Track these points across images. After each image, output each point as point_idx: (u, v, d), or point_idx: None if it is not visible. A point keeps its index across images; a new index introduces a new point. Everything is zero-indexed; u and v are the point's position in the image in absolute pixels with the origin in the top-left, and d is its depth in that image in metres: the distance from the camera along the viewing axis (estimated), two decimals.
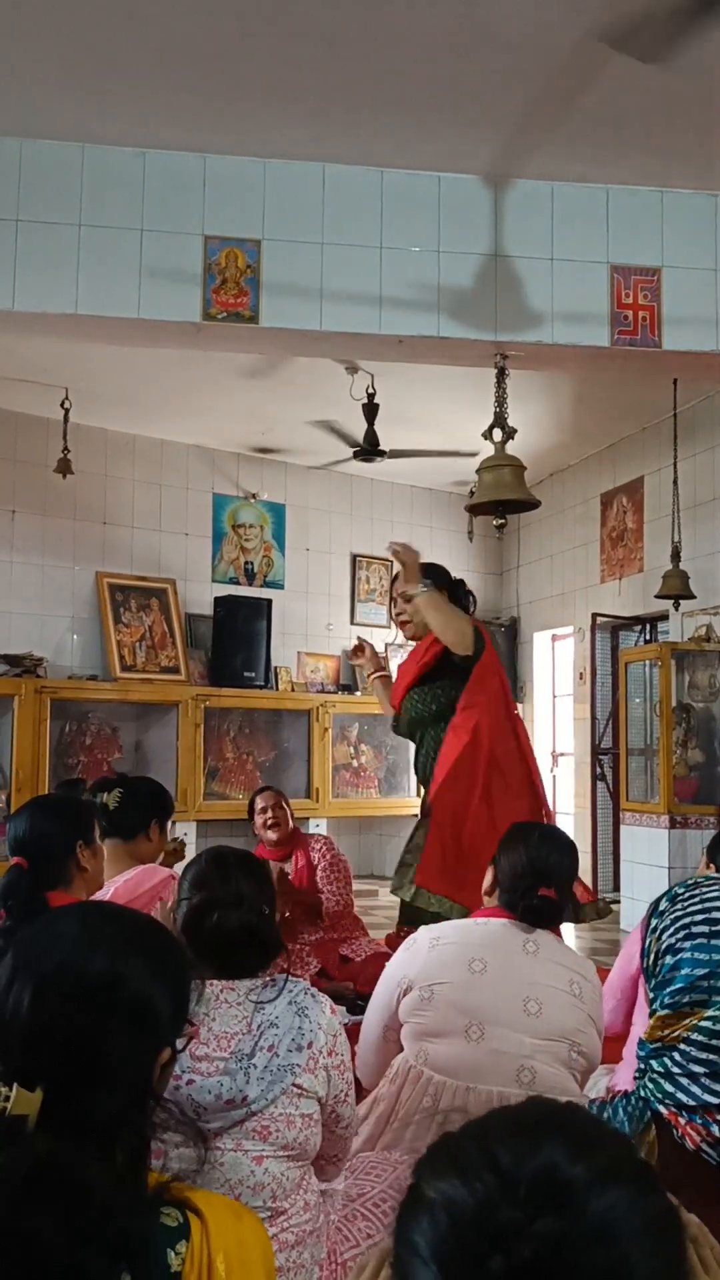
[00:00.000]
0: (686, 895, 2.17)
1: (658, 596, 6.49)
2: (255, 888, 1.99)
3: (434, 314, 4.05)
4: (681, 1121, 1.97)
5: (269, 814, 4.97)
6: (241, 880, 1.99)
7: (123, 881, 2.94)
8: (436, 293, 4.06)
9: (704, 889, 2.16)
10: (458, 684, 4.03)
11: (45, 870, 2.42)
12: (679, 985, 2.05)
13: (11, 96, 3.68)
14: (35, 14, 3.26)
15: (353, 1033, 2.28)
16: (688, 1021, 2.02)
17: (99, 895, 2.67)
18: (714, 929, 2.07)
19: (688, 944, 2.07)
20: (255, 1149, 1.79)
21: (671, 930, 2.12)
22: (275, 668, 8.10)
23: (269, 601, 7.98)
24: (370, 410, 6.54)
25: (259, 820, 5.01)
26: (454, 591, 4.27)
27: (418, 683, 4.18)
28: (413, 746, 4.39)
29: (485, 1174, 0.75)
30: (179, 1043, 1.27)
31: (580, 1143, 0.77)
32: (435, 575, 4.25)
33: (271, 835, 4.96)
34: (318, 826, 7.81)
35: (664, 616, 7.24)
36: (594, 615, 7.97)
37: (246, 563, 8.33)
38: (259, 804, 5.05)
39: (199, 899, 1.96)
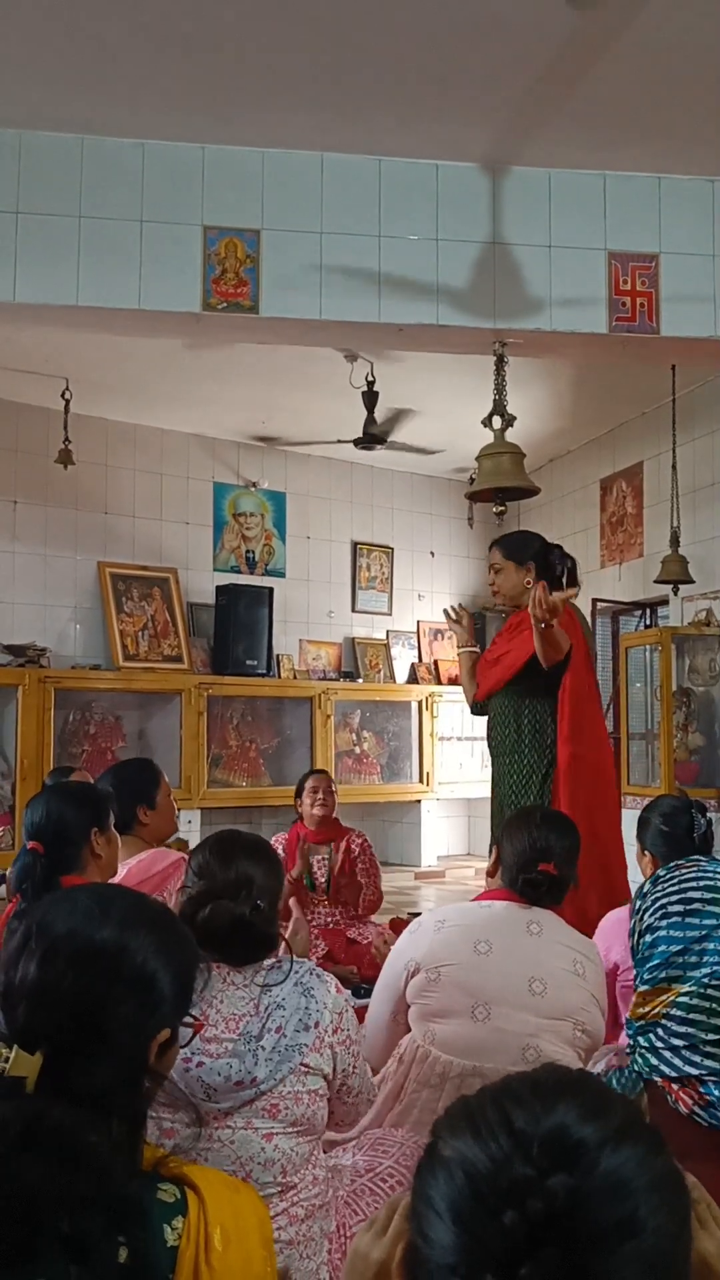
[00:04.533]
0: (667, 876, 2.22)
1: (657, 581, 6.51)
2: (261, 874, 2.01)
3: (433, 302, 4.07)
4: (674, 1088, 2.02)
5: (319, 794, 5.01)
6: (246, 866, 2.01)
7: (135, 862, 2.98)
8: (435, 281, 4.07)
9: (682, 870, 2.21)
10: (545, 699, 4.03)
11: (60, 856, 2.46)
12: (655, 961, 2.11)
13: (10, 88, 3.69)
14: (34, 5, 3.27)
15: (359, 1015, 2.31)
16: (665, 998, 2.07)
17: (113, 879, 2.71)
18: (689, 908, 2.13)
19: (664, 922, 2.13)
20: (265, 1126, 1.83)
21: (651, 910, 2.18)
22: (277, 655, 8.13)
23: (270, 590, 8.00)
24: (370, 398, 6.56)
25: (308, 800, 5.04)
26: (544, 560, 4.21)
27: (505, 688, 4.17)
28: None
29: (500, 1134, 0.78)
30: (184, 1034, 1.30)
31: (591, 1106, 0.80)
32: (524, 546, 4.22)
33: (318, 812, 5.00)
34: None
35: (664, 601, 7.27)
36: (594, 600, 7.99)
37: (248, 551, 8.35)
38: (310, 783, 5.09)
39: (197, 889, 1.99)
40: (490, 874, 2.66)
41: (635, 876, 6.53)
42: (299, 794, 5.13)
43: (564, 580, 4.20)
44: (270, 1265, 1.16)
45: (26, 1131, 1.07)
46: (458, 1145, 0.80)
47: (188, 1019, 1.32)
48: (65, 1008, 1.17)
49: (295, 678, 8.20)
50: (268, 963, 1.96)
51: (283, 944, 1.99)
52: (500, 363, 4.25)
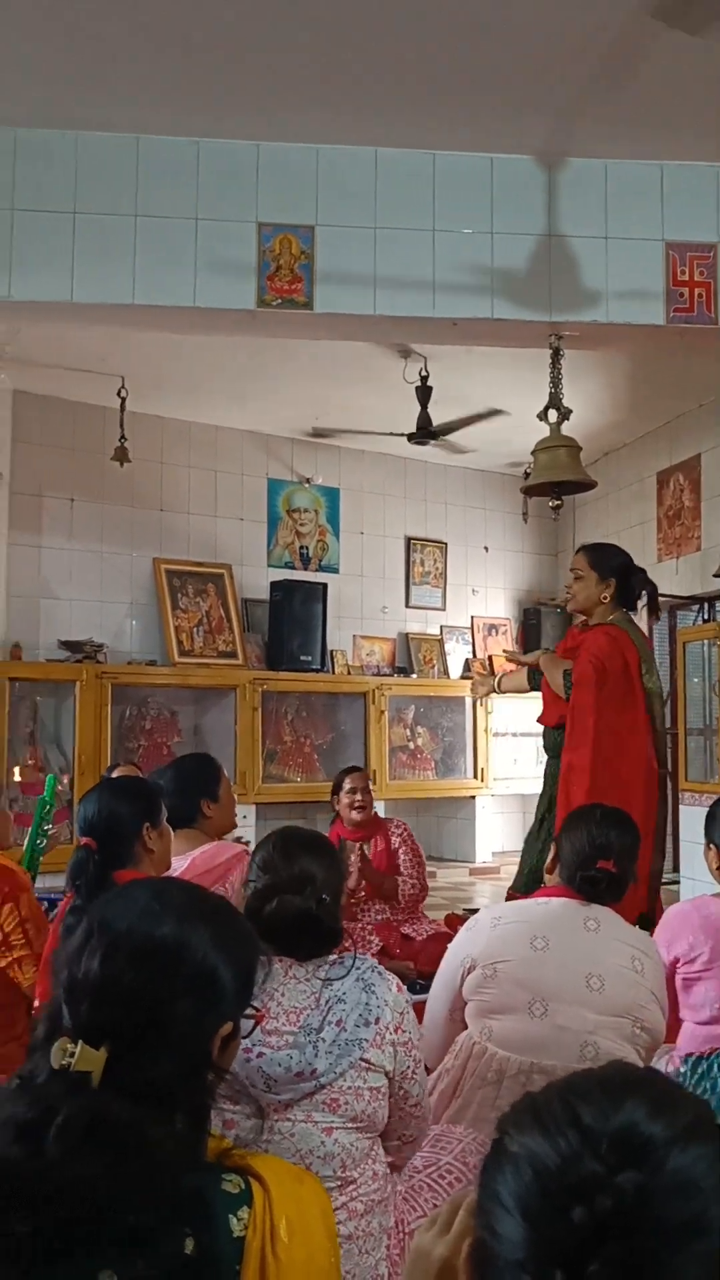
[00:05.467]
0: None
1: (716, 575, 6.43)
2: (323, 870, 2.02)
3: (488, 296, 4.05)
4: None
5: (357, 795, 4.99)
6: (308, 862, 2.02)
7: (198, 854, 3.00)
8: (490, 274, 4.05)
9: None
10: None
11: (113, 851, 2.48)
12: None
13: (65, 90, 3.73)
14: (88, 6, 3.30)
15: (415, 1011, 2.31)
16: None
17: (171, 872, 2.73)
18: None
19: None
20: (325, 1120, 1.84)
21: None
22: (331, 651, 8.14)
23: (324, 585, 8.02)
24: (424, 393, 6.54)
25: (345, 800, 5.00)
26: (626, 580, 4.19)
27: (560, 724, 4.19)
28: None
29: (568, 1130, 0.78)
30: (245, 1025, 1.31)
31: (660, 1103, 0.80)
32: (610, 559, 4.20)
33: (356, 816, 4.98)
34: (375, 809, 7.85)
35: None
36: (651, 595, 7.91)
37: (301, 547, 8.37)
38: (348, 784, 5.04)
39: (262, 883, 2.00)
40: (549, 870, 2.65)
41: (693, 872, 6.43)
42: (335, 791, 5.10)
43: (642, 606, 4.20)
44: (335, 1257, 1.17)
45: (91, 1127, 1.08)
46: (525, 1141, 0.80)
47: (249, 1010, 1.33)
48: (127, 1004, 1.18)
49: (349, 673, 8.21)
50: (330, 958, 1.96)
51: (347, 940, 1.99)
52: (556, 356, 4.22)
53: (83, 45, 3.49)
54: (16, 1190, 1.06)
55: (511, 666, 4.91)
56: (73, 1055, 1.13)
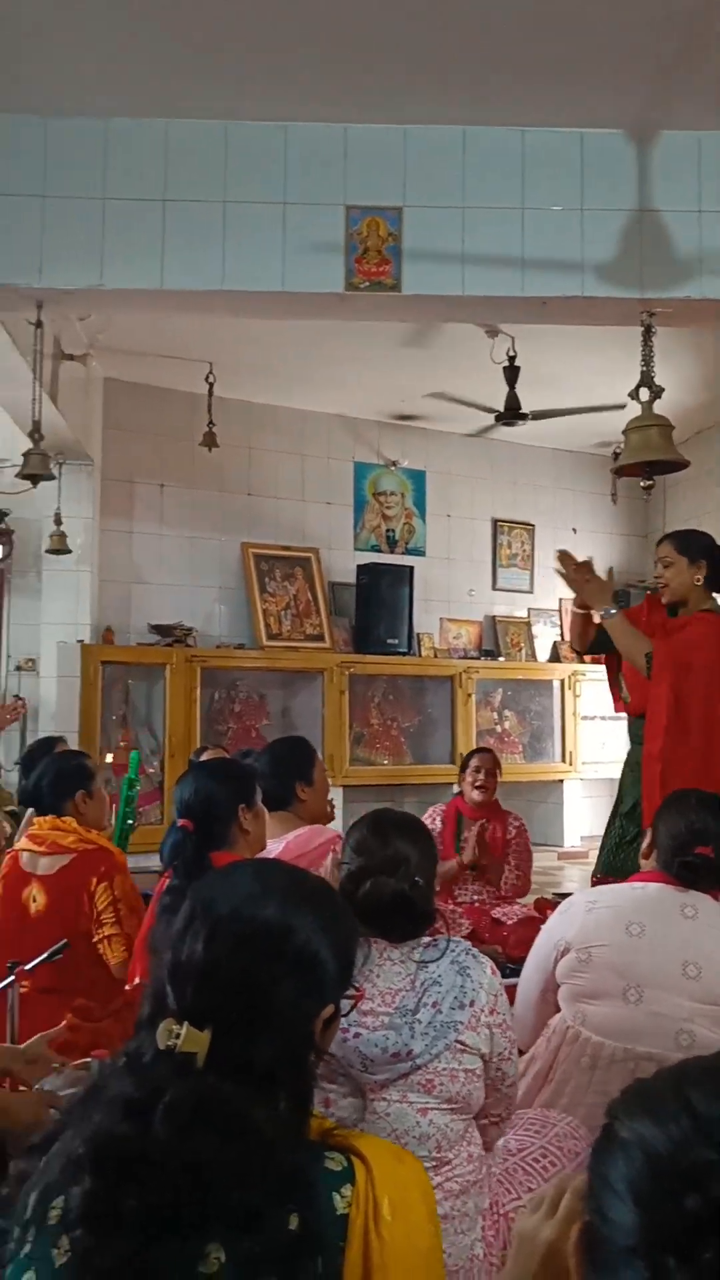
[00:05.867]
0: None
1: None
2: (416, 852, 2.02)
3: (578, 274, 3.99)
4: None
5: (480, 775, 5.03)
6: (402, 844, 2.03)
7: (293, 838, 3.03)
8: (580, 252, 3.99)
9: None
10: None
11: (209, 832, 2.51)
12: None
13: (154, 79, 3.76)
14: None
15: (508, 995, 2.31)
16: None
17: (265, 854, 2.76)
18: None
19: None
20: (420, 1101, 1.85)
21: None
22: (418, 634, 8.13)
23: (411, 568, 8.01)
24: (511, 374, 6.48)
25: (469, 779, 5.06)
26: (715, 559, 4.10)
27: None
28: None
29: (681, 1117, 0.77)
30: (344, 1004, 1.31)
31: None
32: (697, 542, 4.11)
33: (477, 795, 5.02)
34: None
35: None
36: None
37: (388, 530, 8.37)
38: (474, 763, 5.11)
39: (356, 865, 2.01)
40: (645, 856, 2.62)
41: None
42: (463, 769, 5.15)
43: None
44: (437, 1238, 1.17)
45: (197, 1109, 1.10)
46: (636, 1127, 0.79)
47: (348, 991, 1.34)
48: (232, 987, 1.19)
49: (436, 656, 8.20)
50: (424, 940, 1.97)
51: (440, 921, 2.00)
52: (648, 333, 4.15)
53: (170, 34, 3.51)
54: (127, 1166, 1.09)
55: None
56: (178, 1037, 1.15)
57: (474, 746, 8.01)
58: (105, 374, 7.12)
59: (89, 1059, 2.09)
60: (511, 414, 6.61)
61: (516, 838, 5.02)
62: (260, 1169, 1.09)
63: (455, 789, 5.23)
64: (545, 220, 4.00)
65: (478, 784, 5.02)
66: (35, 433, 4.48)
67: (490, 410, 7.05)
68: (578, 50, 3.55)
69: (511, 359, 6.43)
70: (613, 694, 4.37)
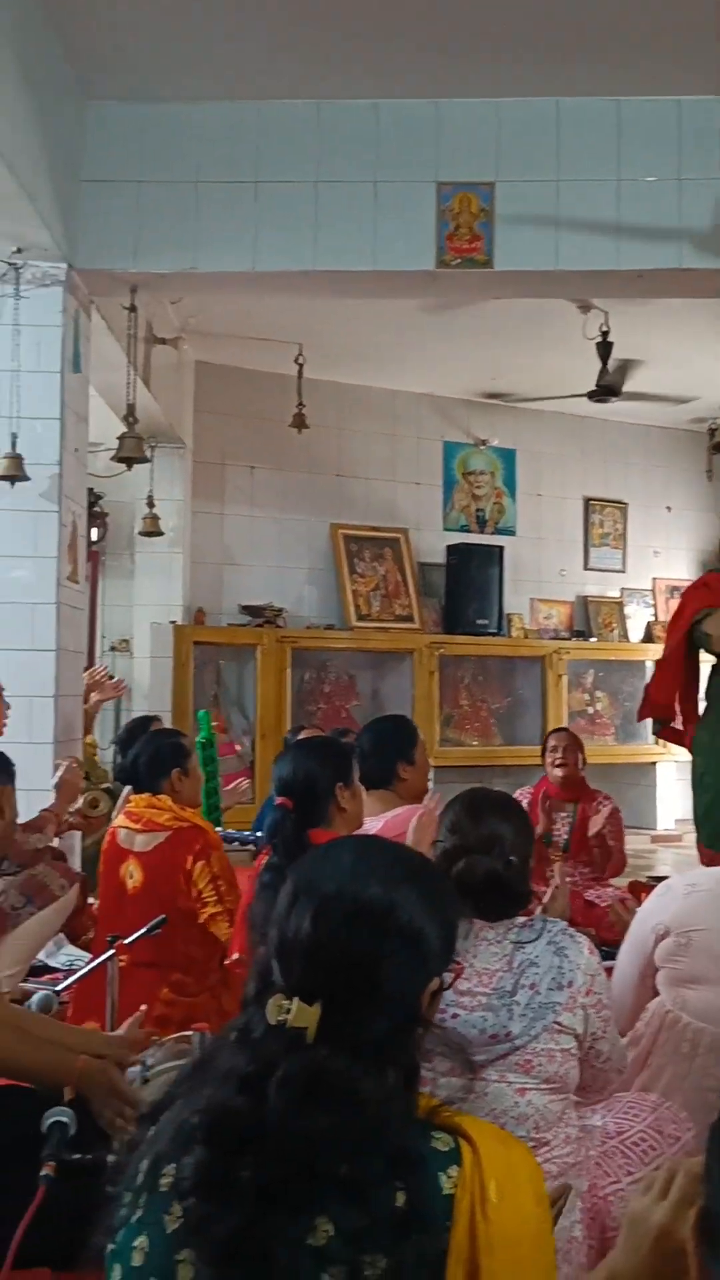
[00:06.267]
0: None
1: None
2: (512, 831, 2.01)
3: (675, 245, 3.92)
4: None
5: (559, 754, 5.02)
6: (496, 823, 2.01)
7: (390, 816, 3.04)
8: (678, 222, 3.92)
9: None
10: None
11: (308, 810, 2.53)
12: None
13: (245, 62, 3.77)
14: None
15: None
16: None
17: (364, 831, 2.76)
18: None
19: None
20: (518, 1081, 1.84)
21: None
22: (508, 615, 8.08)
23: (501, 548, 7.95)
24: (604, 349, 6.37)
25: (549, 759, 5.06)
26: None
27: None
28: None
29: None
30: (446, 978, 1.32)
31: None
32: None
33: (558, 773, 5.00)
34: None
35: None
36: None
37: (478, 510, 8.31)
38: (551, 742, 5.13)
39: (450, 844, 2.01)
40: None
41: None
42: (544, 752, 5.12)
43: None
44: (546, 1223, 1.16)
45: (310, 1083, 1.11)
46: None
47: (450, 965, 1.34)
48: (339, 964, 1.20)
49: (526, 637, 8.14)
50: (520, 920, 1.96)
51: (535, 903, 1.98)
52: None
53: (260, 17, 3.51)
54: (241, 1138, 1.10)
55: None
56: (288, 1012, 1.16)
57: (569, 729, 7.97)
58: (196, 357, 7.18)
59: (189, 1032, 2.12)
60: (605, 391, 6.50)
61: (609, 818, 4.96)
62: (371, 1144, 1.09)
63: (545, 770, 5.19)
64: (641, 191, 3.93)
65: (557, 762, 5.00)
66: (130, 416, 4.54)
67: (583, 387, 6.94)
68: (673, 16, 3.48)
69: (604, 334, 6.32)
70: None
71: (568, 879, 4.84)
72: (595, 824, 4.92)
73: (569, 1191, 1.62)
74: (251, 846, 4.68)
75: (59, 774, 3.74)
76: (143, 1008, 2.31)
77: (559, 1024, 1.85)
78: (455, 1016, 1.83)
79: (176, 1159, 1.13)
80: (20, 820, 3.17)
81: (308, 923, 1.22)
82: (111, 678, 6.28)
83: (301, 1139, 1.09)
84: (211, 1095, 1.15)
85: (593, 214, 3.93)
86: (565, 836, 4.89)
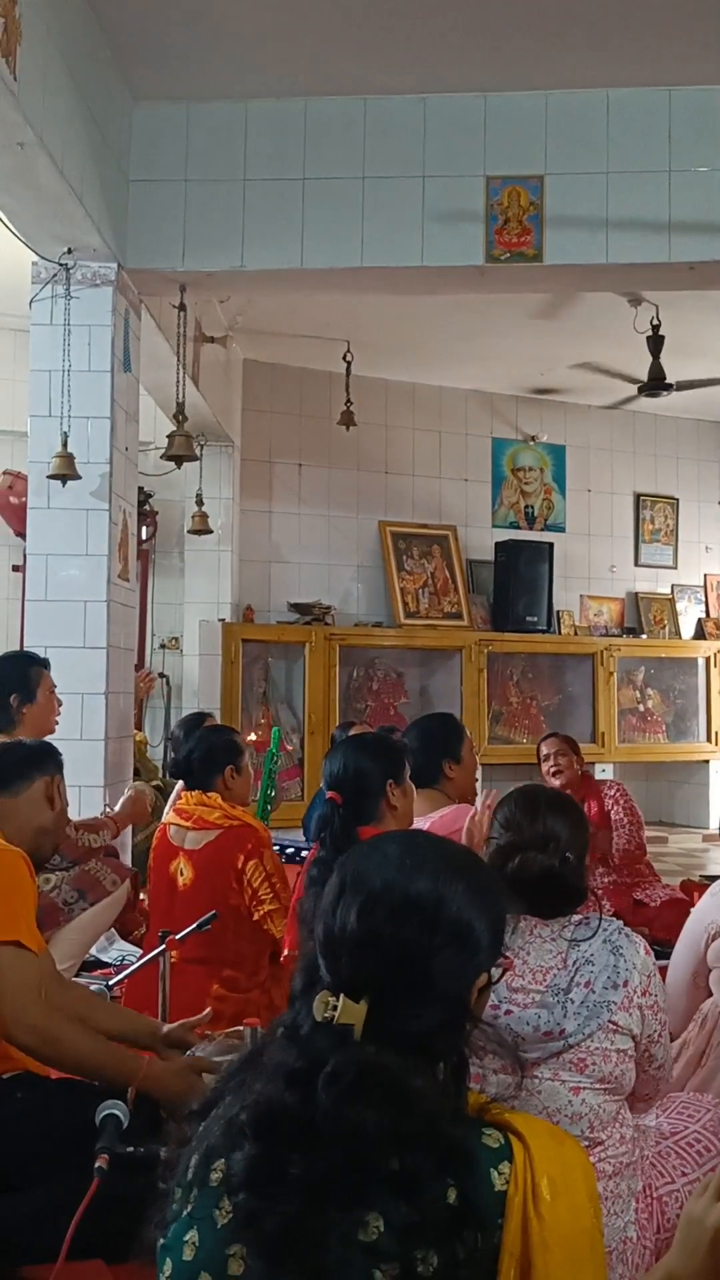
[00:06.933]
0: None
1: None
2: (567, 828, 1.99)
3: None
4: None
5: (552, 761, 4.97)
6: (552, 820, 1.99)
7: (438, 816, 3.03)
8: None
9: None
10: None
11: (358, 806, 2.53)
12: None
13: (293, 59, 3.77)
14: None
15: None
16: None
17: None
18: None
19: None
20: (573, 1080, 1.82)
21: None
22: (558, 611, 8.03)
23: (550, 545, 7.90)
24: (655, 343, 6.30)
25: (544, 767, 5.01)
26: None
27: None
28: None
29: None
30: (494, 973, 1.30)
31: None
32: None
33: (556, 781, 4.95)
34: (604, 772, 7.71)
35: None
36: None
37: (527, 506, 8.26)
38: (543, 750, 5.09)
39: (505, 840, 1.99)
40: None
41: None
42: (539, 760, 5.08)
43: None
44: (598, 1220, 1.15)
45: (359, 1078, 1.10)
46: None
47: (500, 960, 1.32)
48: (386, 959, 1.19)
49: (576, 634, 8.08)
50: (575, 918, 1.94)
51: (592, 900, 1.96)
52: None
53: (308, 14, 3.51)
54: (290, 1133, 1.10)
55: None
56: (335, 1009, 1.15)
57: (614, 726, 7.91)
58: (244, 355, 7.20)
59: (240, 1027, 2.13)
60: (656, 384, 6.43)
61: (615, 805, 4.89)
62: (421, 1139, 1.09)
63: (600, 769, 5.13)
64: (693, 182, 3.88)
65: (553, 770, 4.95)
66: (179, 415, 4.56)
67: (633, 381, 6.87)
68: None
69: (655, 328, 6.25)
70: None
71: (611, 880, 4.81)
72: (617, 813, 4.86)
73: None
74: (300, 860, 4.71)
75: (129, 793, 3.81)
76: (208, 1010, 2.31)
77: (614, 1023, 1.83)
78: (509, 1013, 1.82)
79: (226, 1154, 1.14)
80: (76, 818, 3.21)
81: (354, 917, 1.21)
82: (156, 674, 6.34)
83: (350, 1134, 1.08)
84: (260, 1091, 1.15)
85: (643, 206, 3.89)
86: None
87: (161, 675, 7.00)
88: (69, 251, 3.89)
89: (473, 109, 3.95)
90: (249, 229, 4.03)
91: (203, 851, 3.22)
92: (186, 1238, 1.13)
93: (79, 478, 3.89)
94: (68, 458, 3.86)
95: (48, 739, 2.78)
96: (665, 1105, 2.15)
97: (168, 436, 4.61)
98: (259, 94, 3.99)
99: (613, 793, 4.97)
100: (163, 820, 3.53)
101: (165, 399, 5.03)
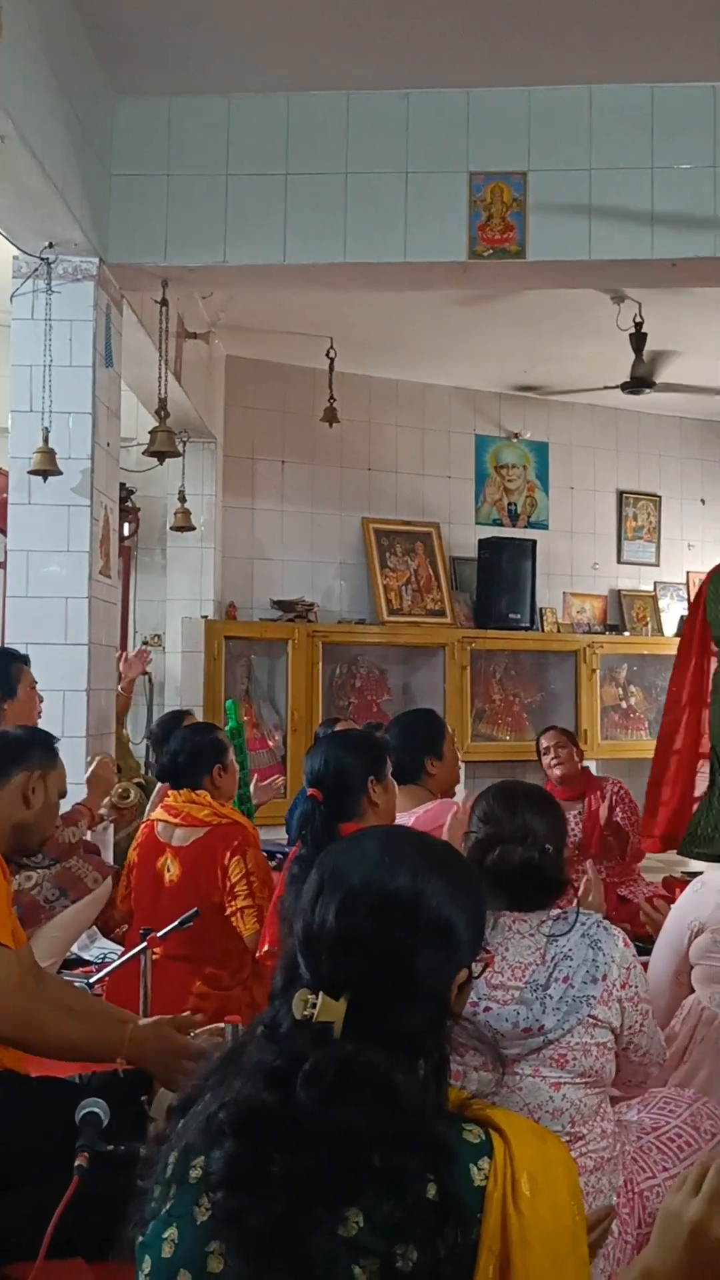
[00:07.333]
0: None
1: None
2: (545, 822, 2.00)
3: (710, 233, 3.88)
4: None
5: (552, 753, 4.99)
6: (530, 815, 2.00)
7: (421, 812, 3.02)
8: (714, 211, 3.87)
9: None
10: None
11: (339, 803, 2.52)
12: None
13: (276, 54, 3.75)
14: None
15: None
16: None
17: None
18: None
19: None
20: (553, 1075, 1.82)
21: None
22: (540, 609, 8.03)
23: (533, 542, 7.90)
24: (638, 340, 6.31)
25: (545, 760, 5.03)
26: None
27: None
28: None
29: None
30: (475, 968, 1.30)
31: None
32: None
33: (556, 772, 4.97)
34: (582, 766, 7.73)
35: None
36: None
37: (510, 503, 8.27)
38: (543, 743, 5.12)
39: (484, 833, 1.99)
40: None
41: None
42: (539, 753, 5.09)
43: None
44: (580, 1218, 1.15)
45: (340, 1074, 1.10)
46: None
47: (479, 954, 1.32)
48: (366, 957, 1.19)
49: (559, 631, 8.09)
50: (554, 913, 1.94)
51: (571, 893, 1.96)
52: None
53: (291, 9, 3.50)
54: (270, 1132, 1.10)
55: None
56: (314, 1007, 1.15)
57: (597, 723, 7.92)
58: (227, 352, 7.18)
59: (222, 1024, 2.12)
60: (639, 383, 6.45)
61: (619, 803, 4.91)
62: (402, 1135, 1.08)
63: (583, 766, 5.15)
64: (676, 179, 3.89)
65: (553, 763, 4.99)
66: (161, 411, 4.54)
67: (615, 383, 6.88)
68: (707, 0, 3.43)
69: (638, 325, 6.26)
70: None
71: (599, 876, 4.82)
72: (604, 812, 4.87)
73: (612, 1217, 1.59)
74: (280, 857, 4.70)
75: (91, 768, 3.76)
76: (197, 1016, 2.30)
77: (593, 1017, 1.83)
78: (488, 1010, 1.82)
79: (205, 1152, 1.13)
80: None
81: (333, 915, 1.20)
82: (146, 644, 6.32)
83: (330, 1131, 1.08)
84: (240, 1089, 1.15)
85: (626, 203, 3.89)
86: (578, 835, 4.82)
87: (143, 673, 6.98)
88: (50, 246, 3.87)
89: (456, 105, 3.94)
90: (232, 224, 4.01)
91: (190, 848, 3.21)
92: (166, 1235, 1.13)
93: (60, 473, 3.87)
94: (49, 453, 3.84)
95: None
96: (646, 1100, 2.16)
97: (150, 432, 4.59)
98: (242, 89, 3.98)
99: (616, 791, 4.99)
100: (148, 817, 3.51)
101: (147, 395, 5.01)
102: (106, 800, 3.68)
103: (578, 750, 5.08)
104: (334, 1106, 1.09)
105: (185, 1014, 2.19)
